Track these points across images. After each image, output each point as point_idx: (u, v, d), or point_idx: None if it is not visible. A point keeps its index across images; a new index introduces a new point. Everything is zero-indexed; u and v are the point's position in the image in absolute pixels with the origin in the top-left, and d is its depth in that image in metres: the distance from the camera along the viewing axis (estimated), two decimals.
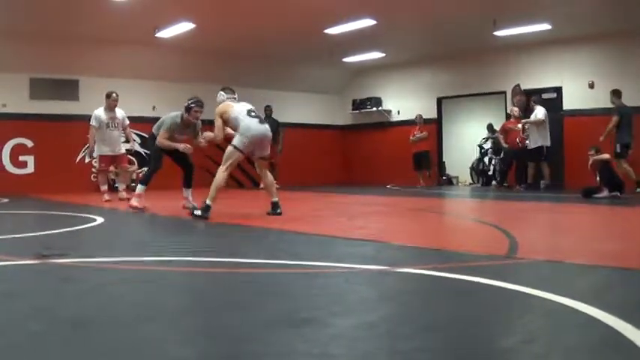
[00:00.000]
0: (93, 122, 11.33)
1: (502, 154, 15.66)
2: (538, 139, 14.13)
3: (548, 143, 14.22)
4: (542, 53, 15.21)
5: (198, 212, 7.79)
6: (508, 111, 15.69)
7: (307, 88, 19.16)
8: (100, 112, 11.42)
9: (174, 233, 7.11)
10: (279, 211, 8.16)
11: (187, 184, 9.30)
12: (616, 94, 12.78)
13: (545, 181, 14.16)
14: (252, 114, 8.01)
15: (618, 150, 12.46)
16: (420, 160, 16.84)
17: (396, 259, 4.82)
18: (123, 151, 11.79)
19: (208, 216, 7.68)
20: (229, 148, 7.92)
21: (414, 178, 16.88)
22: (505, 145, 15.17)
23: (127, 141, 12.09)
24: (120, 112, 11.62)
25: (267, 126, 8.19)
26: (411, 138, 16.84)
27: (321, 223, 7.66)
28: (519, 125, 14.92)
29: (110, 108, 11.46)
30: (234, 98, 8.46)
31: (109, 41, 14.50)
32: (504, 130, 15.34)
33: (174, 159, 9.26)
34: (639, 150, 12.71)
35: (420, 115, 17.11)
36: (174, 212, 8.91)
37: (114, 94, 11.48)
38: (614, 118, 12.56)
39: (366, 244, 5.53)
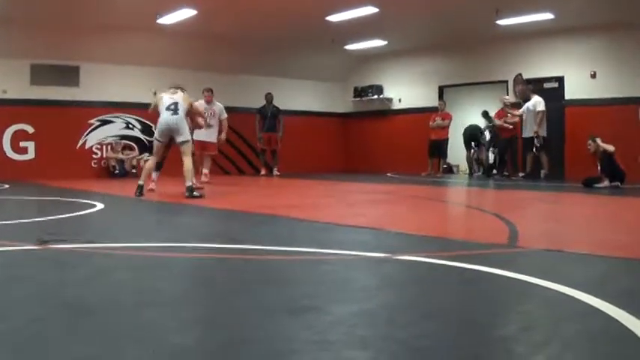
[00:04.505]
0: None
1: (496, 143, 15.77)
2: (533, 129, 14.13)
3: (544, 133, 14.22)
4: (544, 43, 15.15)
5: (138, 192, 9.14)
6: (499, 100, 15.58)
7: (309, 76, 19.10)
8: (198, 104, 12.03)
9: (175, 219, 7.11)
10: (195, 194, 8.97)
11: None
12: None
13: (544, 171, 14.16)
14: (171, 107, 9.17)
15: None
16: (436, 148, 16.44)
17: (396, 246, 4.82)
18: (211, 139, 12.62)
19: (143, 193, 9.19)
20: (154, 141, 9.52)
21: (414, 166, 16.83)
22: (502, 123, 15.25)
23: (220, 132, 12.86)
24: (217, 106, 12.75)
25: (174, 117, 9.16)
26: (430, 124, 16.48)
27: (321, 211, 7.67)
28: (509, 115, 14.95)
29: (207, 101, 12.62)
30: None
31: (111, 27, 14.45)
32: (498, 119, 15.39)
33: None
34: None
35: (443, 102, 16.95)
36: (176, 199, 8.91)
37: (205, 92, 12.73)
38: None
39: (365, 232, 5.54)
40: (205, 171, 12.61)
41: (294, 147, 17.55)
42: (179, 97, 9.30)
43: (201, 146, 12.34)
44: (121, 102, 15.67)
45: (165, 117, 9.12)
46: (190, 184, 8.95)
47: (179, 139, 9.17)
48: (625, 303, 2.81)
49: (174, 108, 9.13)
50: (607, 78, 14.17)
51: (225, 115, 12.85)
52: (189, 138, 9.48)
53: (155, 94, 10.26)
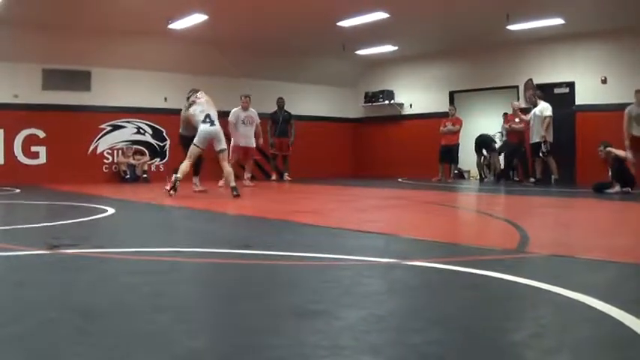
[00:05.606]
0: (230, 118, 13.14)
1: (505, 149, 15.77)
2: (540, 135, 14.09)
3: (551, 139, 14.16)
4: (555, 48, 15.13)
5: (167, 188, 9.88)
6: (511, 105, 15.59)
7: (319, 81, 19.13)
8: (236, 110, 13.30)
9: (186, 224, 7.12)
10: (235, 193, 9.79)
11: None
12: None
13: (554, 176, 14.12)
14: (207, 120, 10.07)
15: None
16: (446, 154, 16.35)
17: (407, 252, 4.81)
18: (253, 144, 13.41)
19: (177, 187, 9.72)
20: (192, 146, 10.11)
21: (425, 172, 16.78)
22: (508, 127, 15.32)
23: (256, 137, 13.51)
24: (253, 112, 13.38)
25: (213, 127, 10.08)
26: (441, 129, 16.44)
27: (331, 216, 7.67)
28: (517, 120, 14.94)
29: (243, 107, 13.27)
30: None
31: (122, 32, 14.52)
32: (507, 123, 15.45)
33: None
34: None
35: (453, 107, 16.92)
36: (187, 203, 8.93)
37: (243, 98, 13.45)
38: None
39: (376, 237, 5.53)
40: (248, 175, 13.49)
41: (305, 152, 17.56)
42: (208, 105, 10.31)
43: (244, 152, 13.13)
44: (133, 107, 15.75)
45: (205, 128, 10.02)
46: (234, 184, 9.90)
47: (218, 147, 10.10)
48: (636, 308, 2.79)
49: (210, 120, 10.06)
50: (618, 83, 14.13)
51: (259, 120, 13.54)
52: (226, 146, 10.47)
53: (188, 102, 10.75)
